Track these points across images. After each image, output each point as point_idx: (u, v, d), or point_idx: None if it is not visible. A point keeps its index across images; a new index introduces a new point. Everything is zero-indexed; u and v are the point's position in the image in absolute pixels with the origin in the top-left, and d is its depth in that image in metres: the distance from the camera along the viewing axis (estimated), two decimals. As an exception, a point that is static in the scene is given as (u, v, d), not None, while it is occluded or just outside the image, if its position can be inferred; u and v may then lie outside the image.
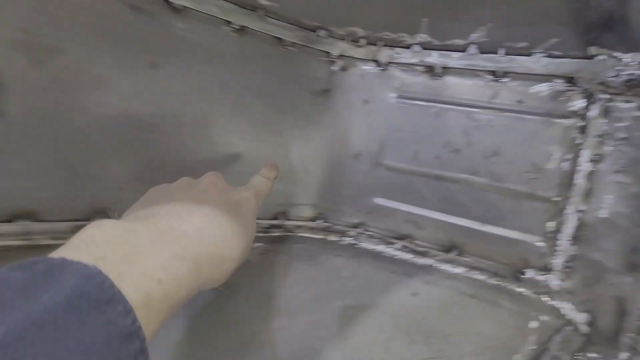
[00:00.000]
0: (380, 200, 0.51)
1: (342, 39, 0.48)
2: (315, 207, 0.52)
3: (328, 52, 0.48)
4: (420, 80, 0.47)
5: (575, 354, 0.41)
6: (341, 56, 0.48)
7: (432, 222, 0.48)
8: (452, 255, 0.47)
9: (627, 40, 0.37)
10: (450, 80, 0.45)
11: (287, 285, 0.43)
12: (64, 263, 0.18)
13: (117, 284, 0.18)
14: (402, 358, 0.38)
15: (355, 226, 0.52)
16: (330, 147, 0.51)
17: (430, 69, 0.46)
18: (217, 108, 0.44)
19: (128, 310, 0.18)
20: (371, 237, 0.51)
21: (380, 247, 0.50)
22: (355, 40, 0.48)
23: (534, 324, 0.39)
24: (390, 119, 0.49)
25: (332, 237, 0.52)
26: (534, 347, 0.37)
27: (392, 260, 0.48)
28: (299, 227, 0.51)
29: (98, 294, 0.17)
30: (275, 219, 0.50)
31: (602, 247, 0.40)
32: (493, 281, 0.45)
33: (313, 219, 0.52)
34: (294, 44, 0.45)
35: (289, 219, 0.51)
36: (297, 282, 0.44)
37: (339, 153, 0.51)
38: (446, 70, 0.45)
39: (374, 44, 0.48)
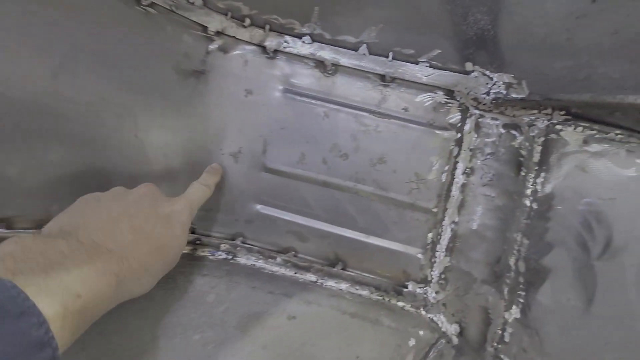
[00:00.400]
0: (261, 208, 0.44)
1: (223, 13, 0.40)
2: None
3: (205, 27, 0.40)
4: (310, 76, 0.42)
5: (447, 366, 0.42)
6: (221, 34, 0.41)
7: (317, 234, 0.43)
8: (336, 270, 0.43)
9: (496, 59, 0.39)
10: (341, 79, 0.42)
11: (123, 321, 0.32)
12: None
13: (33, 297, 0.19)
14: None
15: (232, 238, 0.44)
16: (201, 142, 0.42)
17: (321, 65, 0.42)
18: (36, 68, 0.31)
19: (41, 322, 0.19)
20: (249, 250, 0.43)
21: (260, 263, 0.43)
22: (238, 19, 0.41)
23: (412, 342, 0.38)
24: (275, 115, 0.43)
25: (202, 252, 0.43)
26: (411, 368, 0.35)
27: (271, 277, 0.41)
28: (155, 239, 0.40)
29: (11, 306, 0.18)
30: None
31: (471, 258, 0.41)
32: (375, 296, 0.43)
33: (177, 230, 0.42)
34: (152, 4, 0.35)
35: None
36: (141, 314, 0.33)
37: (212, 150, 0.43)
38: (337, 68, 0.42)
39: (262, 28, 0.42)
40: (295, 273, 0.43)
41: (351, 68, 0.42)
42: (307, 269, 0.43)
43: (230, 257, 0.43)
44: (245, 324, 0.36)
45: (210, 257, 0.42)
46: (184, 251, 0.42)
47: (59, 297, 0.21)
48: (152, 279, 0.30)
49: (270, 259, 0.43)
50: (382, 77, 0.42)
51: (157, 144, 0.39)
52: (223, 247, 0.43)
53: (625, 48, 0.32)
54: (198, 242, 0.43)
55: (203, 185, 0.37)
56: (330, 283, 0.43)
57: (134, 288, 0.28)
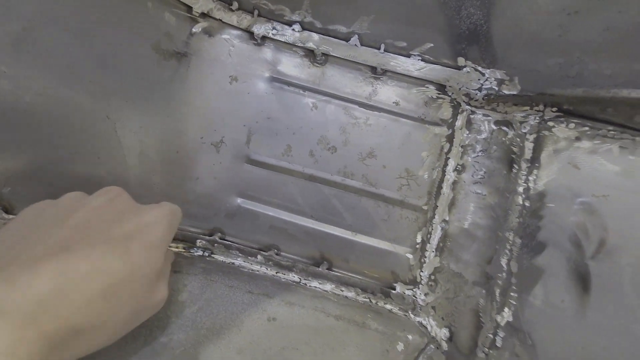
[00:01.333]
0: (242, 202, 0.41)
1: (209, -6, 0.38)
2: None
3: (189, 7, 0.38)
4: (299, 65, 0.41)
5: (436, 374, 0.39)
6: (206, 16, 0.39)
7: (301, 231, 0.41)
8: (321, 270, 0.40)
9: (488, 55, 0.38)
10: (331, 70, 0.41)
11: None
12: None
13: None
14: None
15: (209, 233, 0.41)
16: (180, 129, 0.39)
17: (311, 54, 0.41)
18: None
19: None
20: (228, 247, 0.40)
21: (239, 261, 0.40)
22: (226, 1, 0.39)
23: (400, 347, 0.35)
24: (261, 104, 0.41)
25: (175, 247, 0.39)
26: (399, 374, 0.32)
27: (251, 276, 0.38)
28: (124, 232, 0.37)
29: None
30: (84, 219, 0.35)
31: (462, 259, 0.40)
32: (362, 298, 0.40)
33: (149, 223, 0.39)
34: (133, -25, 0.33)
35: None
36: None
37: (192, 138, 0.40)
38: (327, 58, 0.41)
39: (250, 13, 0.40)
40: (277, 272, 0.40)
41: (342, 59, 0.40)
42: (289, 268, 0.40)
43: (207, 254, 0.40)
44: (219, 325, 0.32)
45: (185, 254, 0.39)
46: (170, 248, 0.38)
47: None
48: (109, 333, 0.23)
49: (250, 257, 0.40)
50: (374, 69, 0.40)
51: (131, 126, 0.36)
52: (199, 243, 0.40)
53: (616, 44, 0.32)
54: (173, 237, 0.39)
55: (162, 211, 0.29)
56: (315, 284, 0.40)
57: (82, 347, 0.21)
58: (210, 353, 0.31)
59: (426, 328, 0.38)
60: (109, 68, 0.34)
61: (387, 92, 0.40)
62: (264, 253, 0.40)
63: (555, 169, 0.35)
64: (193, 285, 0.35)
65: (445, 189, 0.40)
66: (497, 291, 0.37)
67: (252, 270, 0.40)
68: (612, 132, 0.33)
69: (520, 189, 0.37)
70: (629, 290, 0.31)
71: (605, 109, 0.34)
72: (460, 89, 0.39)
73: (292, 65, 0.41)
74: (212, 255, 0.40)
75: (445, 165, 0.40)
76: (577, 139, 0.35)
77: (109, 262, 0.22)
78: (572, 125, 0.35)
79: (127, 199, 0.27)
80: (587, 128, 0.34)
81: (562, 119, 0.36)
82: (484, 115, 0.40)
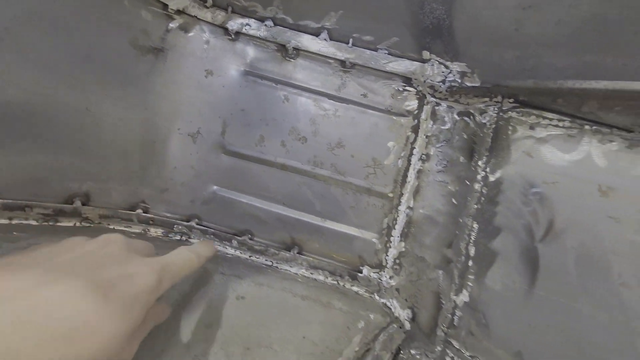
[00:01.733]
0: (218, 190, 0.43)
1: (184, -8, 0.40)
2: (132, 193, 0.42)
3: (165, 4, 0.40)
4: (271, 59, 0.43)
5: (400, 352, 0.41)
6: (181, 13, 0.41)
7: (273, 217, 0.43)
8: (292, 254, 0.43)
9: (451, 49, 0.40)
10: (301, 63, 0.43)
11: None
12: None
13: None
14: (210, 378, 0.31)
15: (187, 219, 0.43)
16: (158, 121, 0.41)
17: (282, 48, 0.42)
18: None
19: None
20: (204, 232, 0.43)
21: (215, 245, 0.43)
22: (200, -1, 0.41)
23: (361, 324, 0.37)
24: (235, 96, 0.43)
25: (155, 232, 0.42)
26: (357, 349, 0.34)
27: (225, 260, 0.41)
28: (105, 216, 0.39)
29: None
30: (67, 202, 0.37)
31: (425, 243, 0.42)
32: (330, 281, 0.42)
33: (130, 208, 0.41)
34: (108, -25, 0.35)
35: (91, 205, 0.39)
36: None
37: (170, 129, 0.42)
38: (298, 52, 0.42)
39: (224, 9, 0.42)
40: (250, 256, 0.42)
41: (312, 53, 0.42)
42: (262, 253, 0.43)
43: (184, 238, 0.42)
44: (189, 302, 0.35)
45: (163, 239, 0.41)
46: (132, 230, 0.41)
47: None
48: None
49: (225, 242, 0.43)
50: (343, 63, 0.42)
51: (111, 119, 0.38)
52: (177, 228, 0.42)
53: (567, 38, 0.33)
54: (151, 221, 0.42)
55: (190, 252, 0.29)
56: (285, 267, 0.42)
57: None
58: (180, 327, 0.33)
59: (390, 309, 0.41)
60: (88, 63, 0.36)
61: (356, 85, 0.42)
62: (238, 238, 0.43)
63: (511, 157, 0.37)
64: (168, 266, 0.37)
65: (411, 177, 0.42)
66: (456, 274, 0.39)
67: (227, 254, 0.42)
68: (563, 122, 0.35)
69: (479, 177, 0.39)
70: (573, 271, 0.32)
71: (556, 100, 0.35)
72: (425, 81, 0.41)
73: (265, 60, 0.43)
74: (190, 240, 0.42)
75: (411, 154, 0.42)
76: (531, 128, 0.36)
77: (82, 300, 0.20)
78: (527, 115, 0.36)
79: (121, 245, 0.25)
80: (540, 118, 0.36)
81: (518, 109, 0.37)
82: (447, 106, 0.41)
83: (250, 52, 0.42)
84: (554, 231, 0.34)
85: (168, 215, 0.43)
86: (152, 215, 0.42)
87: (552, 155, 0.35)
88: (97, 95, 0.37)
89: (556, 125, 0.35)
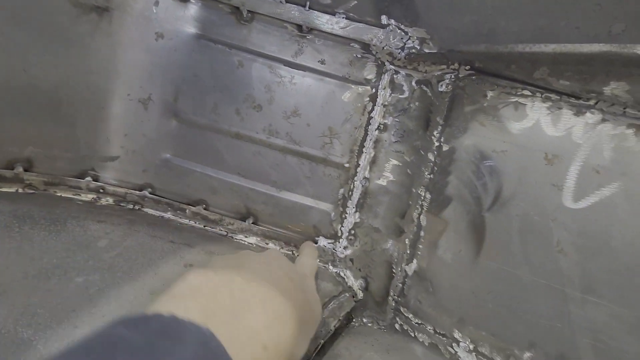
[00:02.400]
0: (171, 158, 0.42)
1: (128, -53, 0.38)
2: (80, 160, 0.40)
3: (108, -40, 0.38)
4: (225, 22, 0.41)
5: (353, 320, 0.42)
6: (126, -31, 0.39)
7: (228, 187, 0.42)
8: (247, 224, 0.42)
9: (410, 13, 0.38)
10: (257, 27, 0.41)
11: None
12: (175, 321, 0.18)
13: (227, 348, 0.18)
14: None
15: (139, 188, 0.42)
16: (105, 86, 0.40)
17: (237, 11, 0.40)
18: None
19: None
20: (158, 202, 0.42)
21: (168, 214, 0.42)
22: (147, -45, 0.39)
23: (310, 292, 0.38)
24: (187, 61, 0.41)
25: (106, 201, 0.41)
26: (303, 315, 0.35)
27: (177, 229, 0.40)
28: (50, 184, 0.38)
29: None
30: (8, 168, 0.36)
31: (379, 214, 0.41)
32: (285, 251, 0.42)
33: (78, 175, 0.40)
34: None
35: (34, 171, 0.38)
36: (15, 251, 0.32)
37: (119, 95, 0.41)
38: (253, 15, 0.41)
39: (174, -32, 0.40)
40: (205, 226, 0.42)
41: (268, 16, 0.40)
42: (217, 223, 0.42)
43: (137, 207, 0.42)
44: (136, 269, 0.34)
45: (115, 207, 0.41)
46: (81, 198, 0.40)
47: (249, 348, 0.20)
48: (306, 339, 0.27)
49: (179, 212, 0.42)
50: (299, 28, 0.40)
51: (51, 81, 0.37)
52: (129, 197, 0.41)
53: (522, 2, 0.32)
54: (101, 190, 0.41)
55: (311, 258, 0.36)
56: (240, 236, 0.42)
57: (302, 343, 0.25)
58: (123, 293, 0.33)
59: (343, 278, 0.41)
60: (24, 22, 0.34)
61: (313, 51, 0.41)
62: (192, 208, 0.42)
63: (464, 126, 0.36)
64: (115, 234, 0.37)
65: (368, 147, 0.41)
66: (408, 244, 0.39)
67: (181, 223, 0.42)
68: (515, 90, 0.34)
69: (434, 147, 0.38)
70: (516, 239, 0.32)
71: (510, 66, 0.34)
72: (384, 47, 0.40)
73: (218, 23, 0.41)
74: (142, 209, 0.42)
75: (368, 124, 0.41)
76: (485, 96, 0.35)
77: (302, 284, 0.29)
78: (482, 83, 0.36)
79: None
80: (495, 86, 0.35)
81: (474, 76, 0.36)
82: (406, 74, 0.40)
83: (203, 14, 0.40)
84: (501, 200, 0.34)
85: (120, 184, 0.42)
86: (103, 184, 0.41)
87: (503, 124, 0.34)
88: (35, 56, 0.35)
89: (508, 93, 0.34)
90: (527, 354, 0.31)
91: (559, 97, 0.32)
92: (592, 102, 0.30)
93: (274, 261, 0.28)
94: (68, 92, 0.38)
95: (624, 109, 0.29)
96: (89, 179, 0.40)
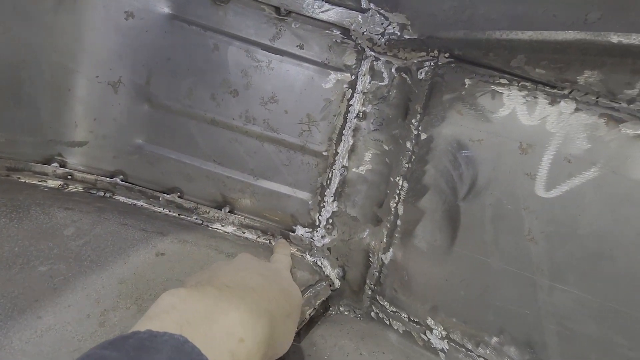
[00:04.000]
0: (143, 144, 0.41)
1: None
2: (45, 145, 0.38)
3: None
4: (200, 3, 0.39)
5: (330, 308, 0.42)
6: (92, -58, 0.36)
7: (203, 174, 0.41)
8: (223, 213, 0.41)
9: (390, -2, 0.38)
10: (233, 9, 0.39)
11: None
12: (151, 336, 0.19)
13: (203, 348, 0.19)
14: (120, 330, 0.30)
15: (110, 175, 0.41)
16: (71, 67, 0.38)
17: (212, -9, 0.39)
18: None
19: None
20: (130, 189, 0.41)
21: (141, 202, 0.41)
22: None
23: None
24: (160, 43, 0.39)
25: (75, 188, 0.40)
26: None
27: (150, 217, 0.39)
28: (14, 169, 0.36)
29: None
30: (-35, 153, 0.34)
31: (357, 203, 0.41)
32: (262, 240, 0.42)
33: (44, 161, 0.39)
34: None
35: (-3, 157, 0.36)
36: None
37: (86, 76, 0.39)
38: (230, -4, 0.39)
39: (145, -58, 0.38)
40: (180, 214, 0.41)
41: (244, -3, 0.39)
42: (192, 211, 0.41)
43: (108, 195, 0.40)
44: (105, 258, 0.33)
45: (83, 194, 0.39)
46: (48, 184, 0.38)
47: (225, 344, 0.21)
48: (292, 324, 0.29)
49: (152, 199, 0.41)
50: (277, 10, 0.39)
51: (10, 60, 0.35)
52: (100, 184, 0.40)
53: (502, -13, 0.32)
54: (69, 177, 0.39)
55: (283, 254, 0.37)
56: (216, 225, 0.41)
57: (284, 334, 0.27)
58: (91, 282, 0.32)
59: (320, 267, 0.41)
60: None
61: (291, 35, 0.40)
62: (166, 196, 0.41)
63: (443, 115, 0.36)
64: (83, 222, 0.35)
65: (346, 135, 0.41)
66: (385, 232, 0.39)
67: (154, 211, 0.41)
68: (493, 78, 0.33)
69: (412, 136, 0.38)
70: (489, 227, 0.32)
71: (488, 54, 0.34)
72: (364, 33, 0.39)
73: (192, 3, 0.39)
74: (114, 197, 0.40)
75: (347, 112, 0.40)
76: (463, 85, 0.35)
77: (275, 277, 0.32)
78: (460, 71, 0.35)
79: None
80: (473, 74, 0.34)
81: (453, 64, 0.36)
82: (386, 61, 0.39)
83: (176, -7, 0.39)
84: (475, 189, 0.34)
85: (89, 170, 0.40)
86: (71, 170, 0.39)
87: (480, 113, 0.34)
88: (6, 46, 0.33)
89: (486, 82, 0.34)
90: (495, 339, 0.32)
91: (534, 86, 0.31)
92: (566, 92, 0.31)
93: (244, 264, 0.31)
94: (30, 72, 0.36)
95: (597, 98, 0.29)
96: (55, 164, 0.39)
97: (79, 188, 0.39)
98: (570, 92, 0.30)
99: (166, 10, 0.39)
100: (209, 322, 0.22)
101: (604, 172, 0.27)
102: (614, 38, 0.26)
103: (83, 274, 0.32)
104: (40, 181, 0.38)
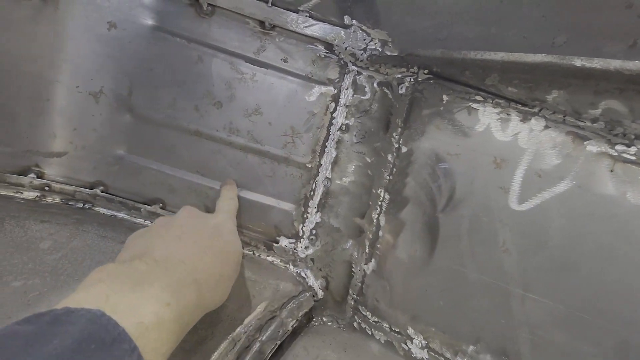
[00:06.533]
0: (125, 155, 0.40)
1: None
2: (21, 155, 0.37)
3: (53, -59, 0.35)
4: (184, 14, 0.39)
5: (313, 319, 0.42)
6: (74, -47, 0.36)
7: (186, 185, 0.41)
8: (206, 224, 0.41)
9: (372, 15, 0.39)
10: (218, 21, 0.40)
11: None
12: (68, 312, 0.20)
13: (126, 314, 0.21)
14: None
15: (90, 186, 0.40)
16: (52, 76, 0.37)
17: (197, 4, 0.39)
18: None
19: (133, 348, 0.20)
20: (110, 200, 0.40)
21: (122, 214, 0.40)
22: (98, -61, 0.37)
23: (268, 293, 0.37)
24: (143, 54, 0.39)
25: (52, 199, 0.39)
26: (260, 317, 0.34)
27: (131, 228, 0.39)
28: (-13, 181, 0.35)
29: (103, 335, 0.19)
30: None
31: (340, 214, 0.42)
32: (246, 251, 0.42)
33: (20, 172, 0.38)
34: None
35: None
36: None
37: (67, 86, 0.38)
38: (214, 9, 0.39)
39: (129, -46, 0.38)
40: (161, 226, 0.41)
41: (229, 10, 0.39)
42: (174, 222, 0.41)
43: (87, 206, 0.39)
44: (82, 272, 0.33)
45: (62, 206, 0.38)
46: (23, 196, 0.37)
47: (150, 307, 0.22)
48: (224, 285, 0.31)
49: (134, 211, 0.40)
50: (262, 24, 0.40)
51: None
52: (79, 195, 0.39)
53: (476, 9, 0.33)
54: (47, 188, 0.39)
55: (228, 199, 0.38)
56: (198, 237, 0.41)
57: (214, 295, 0.29)
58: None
59: (303, 278, 0.41)
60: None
61: (275, 49, 0.40)
62: (148, 207, 0.40)
63: (422, 129, 0.37)
64: (60, 235, 0.35)
65: (330, 147, 0.41)
66: (367, 243, 0.40)
67: (136, 223, 0.40)
68: (469, 95, 0.35)
69: (393, 149, 0.39)
70: (465, 239, 0.34)
71: (464, 72, 0.35)
72: (346, 48, 0.40)
73: (176, 14, 0.39)
74: (93, 208, 0.40)
75: (330, 124, 0.41)
76: (441, 100, 0.36)
77: (214, 239, 0.32)
78: (439, 87, 0.37)
79: (199, 211, 0.36)
80: (450, 91, 0.36)
81: (432, 80, 0.37)
82: (368, 76, 0.41)
83: (159, 4, 0.38)
84: (453, 202, 0.35)
85: (68, 181, 0.39)
86: (48, 181, 0.39)
87: (457, 128, 0.35)
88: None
89: (463, 98, 0.35)
90: (472, 347, 0.32)
91: (507, 104, 0.33)
92: (536, 109, 0.32)
93: (180, 231, 0.31)
94: (6, 81, 0.35)
95: (564, 116, 0.31)
96: (32, 175, 0.38)
97: (57, 199, 0.39)
98: (540, 110, 0.31)
99: (149, 21, 0.39)
100: (134, 292, 0.23)
101: (571, 187, 0.29)
102: (578, 62, 0.27)
103: (59, 288, 0.31)
104: (16, 192, 0.37)
